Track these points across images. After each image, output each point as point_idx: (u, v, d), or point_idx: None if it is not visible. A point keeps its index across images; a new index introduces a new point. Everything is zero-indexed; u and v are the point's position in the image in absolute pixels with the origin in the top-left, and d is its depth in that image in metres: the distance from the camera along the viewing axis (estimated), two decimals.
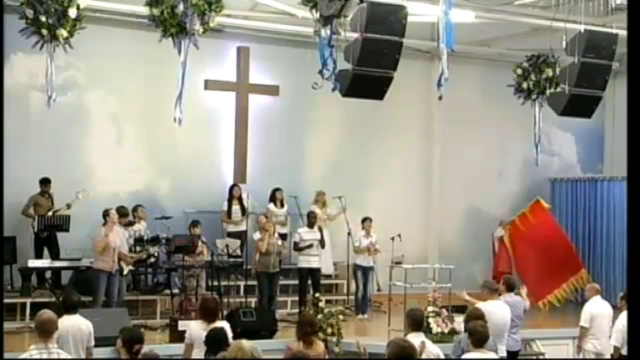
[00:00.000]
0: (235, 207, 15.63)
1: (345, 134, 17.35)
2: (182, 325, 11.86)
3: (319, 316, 12.35)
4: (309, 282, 14.71)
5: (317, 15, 10.63)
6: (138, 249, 14.15)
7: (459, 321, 11.20)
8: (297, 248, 14.79)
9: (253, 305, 13.96)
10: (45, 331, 6.99)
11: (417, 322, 8.48)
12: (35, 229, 14.05)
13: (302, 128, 17.11)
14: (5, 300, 12.72)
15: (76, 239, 14.10)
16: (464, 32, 13.37)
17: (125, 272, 13.31)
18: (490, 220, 17.79)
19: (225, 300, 13.38)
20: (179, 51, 12.04)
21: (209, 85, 15.93)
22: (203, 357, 8.13)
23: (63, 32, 11.65)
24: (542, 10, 14.79)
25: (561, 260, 16.14)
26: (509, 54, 17.13)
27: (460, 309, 11.99)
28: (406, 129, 18.08)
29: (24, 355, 6.95)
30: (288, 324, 13.44)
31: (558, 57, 14.63)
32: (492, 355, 8.04)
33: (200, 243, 13.79)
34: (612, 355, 10.76)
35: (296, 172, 16.88)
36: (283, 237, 15.18)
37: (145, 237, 14.41)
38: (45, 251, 14.23)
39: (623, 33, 11.41)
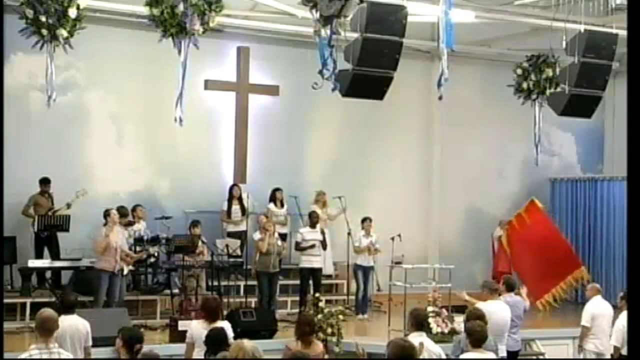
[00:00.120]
0: (235, 207, 15.63)
1: (345, 134, 17.34)
2: (182, 325, 11.86)
3: (319, 316, 12.35)
4: (310, 282, 14.71)
5: (317, 15, 10.61)
6: (138, 249, 14.14)
7: (459, 321, 11.21)
8: (300, 248, 14.79)
9: (253, 305, 13.97)
10: (46, 329, 6.99)
11: (419, 322, 8.48)
12: (35, 229, 14.05)
13: (302, 128, 17.11)
14: (5, 300, 12.71)
15: (76, 239, 14.10)
16: (464, 32, 13.36)
17: (125, 272, 13.30)
18: (490, 220, 17.80)
19: (225, 300, 13.37)
20: (179, 51, 12.06)
21: (209, 85, 15.93)
22: (203, 357, 8.14)
23: (63, 32, 11.65)
24: (542, 10, 14.78)
25: (557, 259, 16.12)
26: (509, 54, 17.14)
27: (460, 309, 11.99)
28: (406, 129, 18.08)
29: (24, 355, 6.95)
30: (288, 324, 13.44)
31: (558, 57, 14.64)
32: (491, 355, 8.04)
33: (200, 243, 13.79)
34: (612, 355, 10.76)
35: (296, 172, 16.88)
36: (283, 237, 15.18)
37: (145, 237, 14.41)
38: (46, 251, 14.23)
39: (623, 33, 11.41)
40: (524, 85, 15.44)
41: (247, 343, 5.91)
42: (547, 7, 14.14)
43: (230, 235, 15.24)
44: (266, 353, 6.06)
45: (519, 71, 15.52)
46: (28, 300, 13.21)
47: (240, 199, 15.66)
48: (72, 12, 11.68)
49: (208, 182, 16.12)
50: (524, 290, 11.55)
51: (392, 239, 14.86)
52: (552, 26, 12.93)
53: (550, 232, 16.62)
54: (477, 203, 18.55)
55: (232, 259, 14.14)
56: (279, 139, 16.80)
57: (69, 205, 14.20)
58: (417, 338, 8.05)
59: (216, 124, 16.40)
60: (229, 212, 15.61)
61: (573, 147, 19.84)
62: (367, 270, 15.05)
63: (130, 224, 14.33)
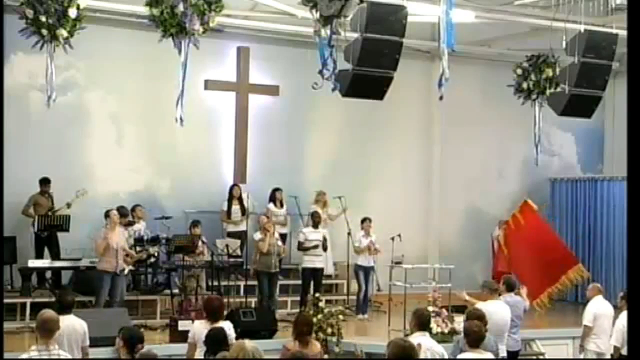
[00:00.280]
0: (235, 207, 15.63)
1: (345, 134, 17.34)
2: (182, 325, 11.87)
3: (319, 316, 12.35)
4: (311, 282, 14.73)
5: (317, 15, 10.62)
6: (138, 249, 14.14)
7: (459, 321, 11.19)
8: (302, 248, 14.80)
9: (253, 305, 13.97)
10: (47, 330, 7.00)
11: (423, 322, 8.47)
12: (35, 229, 14.05)
13: (302, 128, 17.11)
14: (5, 300, 12.71)
15: (76, 239, 14.10)
16: (464, 32, 13.36)
17: (125, 272, 13.30)
18: (490, 220, 17.80)
19: (225, 300, 13.36)
20: (179, 51, 12.06)
21: (209, 85, 15.93)
22: (203, 357, 8.14)
23: (63, 32, 11.65)
24: (542, 10, 14.78)
25: (553, 259, 16.08)
26: (509, 54, 17.13)
27: (460, 309, 11.99)
28: (406, 129, 18.08)
29: (23, 356, 6.96)
30: (288, 324, 13.41)
31: (558, 57, 14.63)
32: (489, 355, 8.04)
33: (200, 243, 13.79)
34: (612, 355, 10.76)
35: (296, 172, 16.88)
36: (282, 237, 15.18)
37: (145, 237, 14.41)
38: (46, 251, 14.23)
39: (623, 33, 11.41)
40: (524, 85, 15.43)
41: (248, 343, 5.92)
42: (547, 7, 14.14)
43: (230, 235, 15.24)
44: (266, 353, 6.08)
45: (519, 71, 15.51)
46: (28, 300, 13.20)
47: (240, 199, 15.66)
48: (72, 12, 11.67)
49: (208, 182, 16.13)
50: (524, 290, 11.54)
51: (392, 239, 14.86)
52: (552, 26, 12.93)
53: (544, 233, 16.56)
54: (477, 203, 18.56)
55: (232, 259, 14.14)
56: (279, 139, 16.80)
57: (69, 205, 14.20)
58: (419, 338, 8.05)
59: (216, 124, 16.40)
60: (229, 212, 15.61)
61: (573, 147, 19.85)
62: (367, 271, 15.05)
63: (130, 224, 14.33)
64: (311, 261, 14.70)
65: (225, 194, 15.76)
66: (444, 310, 12.61)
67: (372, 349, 12.43)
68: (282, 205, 16.04)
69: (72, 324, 8.71)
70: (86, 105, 15.34)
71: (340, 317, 12.59)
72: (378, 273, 15.49)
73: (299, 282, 15.04)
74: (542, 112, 15.24)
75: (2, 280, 13.42)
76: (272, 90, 16.56)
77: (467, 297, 11.43)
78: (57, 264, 13.99)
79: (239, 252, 14.41)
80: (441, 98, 11.21)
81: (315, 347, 8.64)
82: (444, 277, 13.85)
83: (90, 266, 13.41)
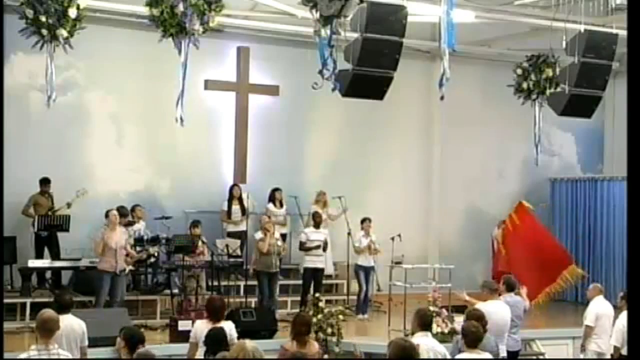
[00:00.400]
0: (235, 207, 15.64)
1: (345, 134, 17.35)
2: (182, 325, 11.87)
3: (319, 316, 12.36)
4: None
5: (317, 15, 10.61)
6: (138, 249, 14.14)
7: (459, 321, 11.17)
8: (304, 248, 14.80)
9: (253, 305, 13.97)
10: (47, 330, 6.99)
11: (425, 322, 8.47)
12: (35, 229, 14.05)
13: (302, 128, 17.11)
14: (5, 300, 12.71)
15: (76, 239, 14.11)
16: (464, 32, 13.34)
17: (125, 272, 13.30)
18: (490, 220, 17.79)
19: (225, 300, 13.37)
20: (179, 51, 12.06)
21: (209, 85, 15.93)
22: (203, 357, 8.14)
23: (63, 32, 11.65)
24: (542, 10, 14.78)
25: (548, 260, 16.08)
26: (509, 54, 17.14)
27: (460, 309, 11.99)
28: (406, 129, 18.08)
29: (22, 355, 6.96)
30: (288, 324, 13.37)
31: (558, 57, 14.63)
32: (486, 355, 8.04)
33: (200, 243, 13.79)
34: (612, 355, 10.76)
35: (296, 172, 16.89)
36: (282, 237, 15.17)
37: (145, 237, 14.41)
38: (46, 251, 14.23)
39: (623, 33, 11.40)
40: (524, 85, 15.43)
41: (249, 343, 5.94)
42: (547, 7, 14.13)
43: (231, 235, 15.24)
44: (266, 353, 6.09)
45: (519, 71, 15.52)
46: (28, 300, 13.20)
47: (240, 199, 15.66)
48: (72, 12, 11.68)
49: (208, 182, 16.13)
50: (524, 291, 11.54)
51: (392, 239, 14.87)
52: (552, 26, 12.92)
53: (539, 233, 16.53)
54: (477, 203, 18.56)
55: (232, 259, 14.14)
56: (279, 139, 16.80)
57: (69, 205, 14.20)
58: (421, 338, 8.05)
59: (216, 124, 16.40)
60: (229, 212, 15.61)
61: (573, 147, 19.85)
62: (368, 271, 15.05)
63: (130, 224, 14.33)
64: (312, 261, 14.71)
65: (226, 194, 15.76)
66: (444, 310, 12.62)
67: (372, 349, 12.43)
68: (281, 205, 16.04)
69: (70, 323, 8.70)
70: (86, 105, 15.35)
71: (340, 317, 12.59)
72: (378, 273, 15.49)
73: (299, 282, 15.04)
74: (542, 112, 15.24)
75: (2, 280, 13.42)
76: (272, 90, 16.56)
77: (467, 297, 11.43)
78: (57, 264, 13.99)
79: (239, 252, 14.41)
80: (442, 98, 11.20)
81: (313, 347, 8.63)
82: (444, 277, 13.86)
83: (90, 266, 13.40)
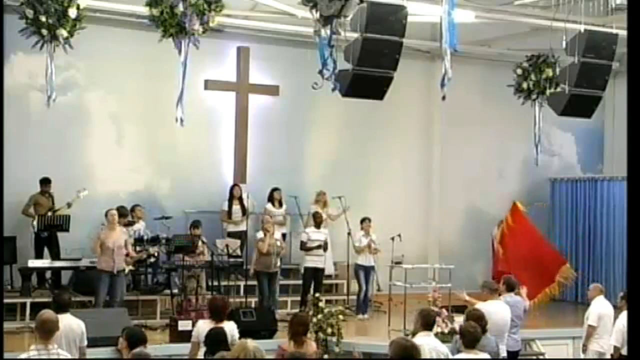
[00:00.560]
0: (236, 207, 15.63)
1: (345, 134, 17.34)
2: (182, 325, 11.88)
3: (319, 316, 12.36)
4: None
5: (317, 15, 10.61)
6: (138, 249, 14.14)
7: (459, 321, 11.17)
8: (305, 248, 14.80)
9: (253, 305, 13.97)
10: (46, 331, 6.99)
11: (428, 322, 8.47)
12: (36, 229, 14.05)
13: (302, 128, 17.11)
14: (5, 300, 12.71)
15: (76, 239, 14.10)
16: (464, 32, 13.29)
17: (125, 272, 13.31)
18: (490, 220, 17.75)
19: (227, 300, 13.36)
20: (179, 51, 12.07)
21: (209, 85, 15.93)
22: (203, 357, 8.14)
23: (63, 32, 11.66)
24: (542, 10, 14.78)
25: (542, 261, 16.08)
26: (509, 54, 17.14)
27: (460, 309, 11.98)
28: (406, 129, 18.08)
29: (22, 356, 6.96)
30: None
31: (558, 57, 14.63)
32: (485, 355, 8.05)
33: (200, 243, 13.79)
34: (612, 355, 10.75)
35: (296, 172, 16.88)
36: (282, 237, 15.17)
37: (145, 237, 14.41)
38: (46, 251, 14.23)
39: (623, 33, 11.40)
40: (524, 85, 15.44)
41: (250, 343, 5.95)
42: (547, 7, 14.13)
43: (231, 235, 15.24)
44: (266, 353, 6.09)
45: (519, 71, 15.52)
46: (28, 300, 13.20)
47: (240, 199, 15.66)
48: (72, 12, 11.69)
49: (208, 182, 16.13)
50: (523, 291, 11.54)
51: (392, 239, 14.84)
52: (552, 26, 12.92)
53: (532, 234, 16.51)
54: (477, 203, 18.55)
55: (232, 259, 14.14)
56: (279, 139, 16.80)
57: (69, 205, 14.20)
58: (424, 338, 8.06)
59: (216, 124, 16.40)
60: (229, 212, 15.60)
61: (573, 147, 19.85)
62: (368, 270, 15.04)
63: (130, 224, 14.33)
64: (313, 261, 14.71)
65: (226, 194, 15.76)
66: (444, 310, 12.61)
67: (372, 349, 12.42)
68: (280, 205, 16.03)
69: (69, 323, 8.70)
70: (86, 105, 15.35)
71: (340, 317, 12.59)
72: (378, 273, 15.49)
73: (299, 282, 15.05)
74: (542, 112, 15.24)
75: (2, 280, 13.42)
76: (272, 90, 16.56)
77: (467, 297, 11.42)
78: (57, 264, 13.99)
79: (239, 252, 14.41)
80: (444, 98, 11.17)
81: (311, 347, 8.64)
82: (444, 277, 13.86)
83: (90, 266, 13.40)
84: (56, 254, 14.17)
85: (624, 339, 10.02)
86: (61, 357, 7.07)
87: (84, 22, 11.99)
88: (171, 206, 15.62)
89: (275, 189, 15.98)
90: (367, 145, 17.44)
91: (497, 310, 10.18)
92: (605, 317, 11.35)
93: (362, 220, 15.19)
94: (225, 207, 15.64)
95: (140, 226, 14.63)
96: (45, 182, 14.28)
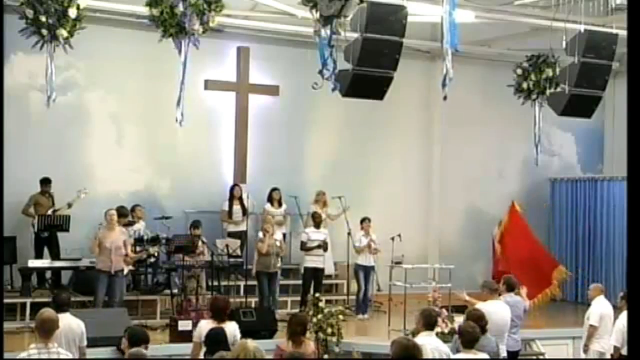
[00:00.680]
0: (236, 207, 15.63)
1: (345, 134, 17.34)
2: (182, 325, 11.88)
3: (319, 316, 12.35)
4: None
5: (317, 15, 10.62)
6: (138, 249, 14.14)
7: (459, 321, 11.18)
8: (305, 248, 14.80)
9: (253, 305, 13.97)
10: (46, 330, 7.00)
11: (430, 322, 8.47)
12: (36, 229, 14.06)
13: (302, 128, 17.11)
14: (5, 300, 12.72)
15: (76, 239, 14.11)
16: (464, 32, 13.27)
17: (125, 272, 13.31)
18: (490, 220, 17.74)
19: (229, 300, 13.36)
20: (179, 51, 12.07)
21: (209, 85, 15.93)
22: (203, 357, 8.15)
23: (63, 32, 11.66)
24: (542, 10, 14.78)
25: (539, 262, 16.07)
26: (509, 54, 17.14)
27: (460, 309, 11.99)
28: (406, 129, 18.08)
29: (22, 355, 6.96)
30: None
31: (558, 57, 14.64)
32: (483, 355, 8.05)
33: (200, 243, 13.79)
34: (612, 355, 10.75)
35: (296, 172, 16.88)
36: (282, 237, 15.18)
37: (145, 237, 14.41)
38: (46, 251, 14.23)
39: (623, 33, 11.40)
40: (524, 85, 15.44)
41: (250, 343, 5.96)
42: (547, 7, 14.13)
43: (231, 235, 15.23)
44: (266, 353, 6.10)
45: (519, 71, 15.53)
46: (28, 300, 13.19)
47: (241, 199, 15.66)
48: (72, 12, 11.69)
49: (208, 182, 16.13)
50: (523, 291, 11.54)
51: (392, 239, 14.84)
52: (552, 26, 12.92)
53: (527, 236, 16.50)
54: (477, 203, 18.55)
55: (232, 259, 14.14)
56: (279, 139, 16.80)
57: (70, 205, 14.20)
58: (426, 338, 8.06)
59: (216, 124, 16.40)
60: (230, 212, 15.60)
61: (573, 147, 19.84)
62: (368, 270, 15.05)
63: (130, 224, 14.33)
64: (313, 261, 14.72)
65: (226, 194, 15.76)
66: (444, 310, 12.61)
67: (372, 349, 12.43)
68: (279, 205, 16.02)
69: (68, 323, 8.70)
70: (86, 105, 15.35)
71: (340, 317, 12.57)
72: (378, 273, 15.49)
73: (299, 282, 15.05)
74: (542, 112, 15.25)
75: (2, 280, 13.42)
76: (272, 90, 16.56)
77: (467, 297, 11.42)
78: (57, 264, 13.99)
79: (239, 252, 14.41)
80: (445, 98, 11.18)
81: (309, 347, 8.64)
82: (444, 277, 13.87)
83: (90, 266, 13.40)
84: (56, 254, 14.17)
85: (624, 339, 10.02)
86: (61, 356, 7.08)
87: (84, 22, 11.99)
88: (171, 206, 15.62)
89: (274, 189, 15.97)
90: (367, 145, 17.44)
91: (497, 310, 10.18)
92: (606, 317, 11.35)
93: (362, 220, 15.19)
94: (226, 207, 15.64)
95: (140, 226, 14.63)
96: (45, 182, 14.28)
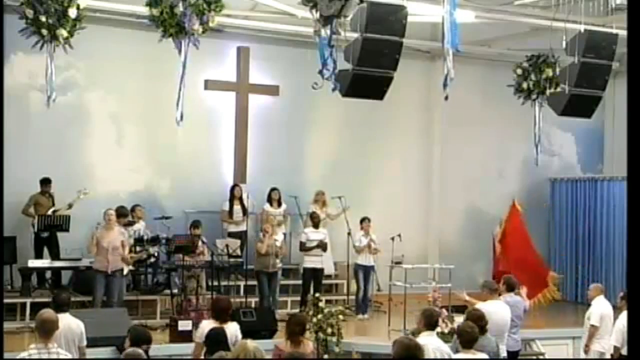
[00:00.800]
0: (237, 207, 15.63)
1: (345, 134, 17.34)
2: (182, 325, 11.88)
3: (319, 316, 12.35)
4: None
5: (317, 15, 10.61)
6: (138, 249, 14.14)
7: (459, 321, 11.18)
8: (304, 248, 14.81)
9: (253, 305, 13.97)
10: (46, 330, 7.00)
11: (431, 322, 8.47)
12: (36, 229, 14.06)
13: (302, 128, 17.11)
14: (5, 300, 12.72)
15: (76, 239, 14.10)
16: (464, 32, 13.23)
17: (125, 272, 13.31)
18: (490, 220, 17.73)
19: (230, 300, 13.37)
20: (179, 51, 12.07)
21: (209, 85, 15.93)
22: (203, 357, 8.15)
23: (63, 32, 11.66)
24: (542, 10, 14.78)
25: (536, 263, 16.08)
26: (509, 54, 17.14)
27: (460, 309, 11.99)
28: (406, 129, 18.08)
29: (22, 355, 6.96)
30: None
31: (558, 57, 14.64)
32: (482, 355, 8.05)
33: (200, 243, 13.79)
34: (612, 355, 10.75)
35: (296, 172, 16.88)
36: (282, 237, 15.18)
37: (145, 237, 14.41)
38: (45, 251, 14.23)
39: (623, 33, 11.40)
40: (524, 85, 15.44)
41: (250, 343, 5.97)
42: (547, 7, 14.13)
43: (231, 235, 15.24)
44: (266, 353, 6.11)
45: (519, 71, 15.53)
46: (28, 300, 13.20)
47: (241, 199, 15.66)
48: (72, 12, 11.69)
49: (208, 182, 16.13)
50: (523, 291, 11.54)
51: (392, 239, 14.84)
52: (552, 26, 12.92)
53: (524, 237, 16.48)
54: (477, 203, 18.55)
55: (232, 259, 14.14)
56: (279, 139, 16.80)
57: (70, 206, 14.20)
58: (427, 338, 8.06)
59: (216, 124, 16.40)
60: (230, 213, 15.60)
61: (573, 147, 19.84)
62: (367, 270, 15.05)
63: (130, 224, 14.33)
64: (312, 261, 14.72)
65: (225, 194, 15.76)
66: (444, 310, 12.60)
67: (372, 349, 12.43)
68: (279, 205, 16.02)
69: (68, 323, 8.70)
70: (86, 105, 15.35)
71: (340, 317, 12.57)
72: (378, 273, 15.48)
73: (299, 282, 15.05)
74: (542, 112, 15.25)
75: (2, 280, 13.42)
76: (272, 90, 16.56)
77: (467, 297, 11.43)
78: (57, 264, 14.00)
79: (239, 252, 14.41)
80: (446, 98, 11.16)
81: (308, 347, 8.64)
82: (444, 277, 13.86)
83: (90, 266, 13.40)
84: (56, 254, 14.17)
85: (624, 339, 10.02)
86: (61, 356, 7.08)
87: (84, 22, 11.99)
88: (171, 206, 15.62)
89: (273, 189, 15.97)
90: (367, 145, 17.44)
91: (497, 310, 10.18)
92: (606, 318, 11.35)
93: (362, 220, 15.19)
94: (226, 207, 15.64)
95: (140, 226, 14.63)
96: (45, 182, 14.28)
